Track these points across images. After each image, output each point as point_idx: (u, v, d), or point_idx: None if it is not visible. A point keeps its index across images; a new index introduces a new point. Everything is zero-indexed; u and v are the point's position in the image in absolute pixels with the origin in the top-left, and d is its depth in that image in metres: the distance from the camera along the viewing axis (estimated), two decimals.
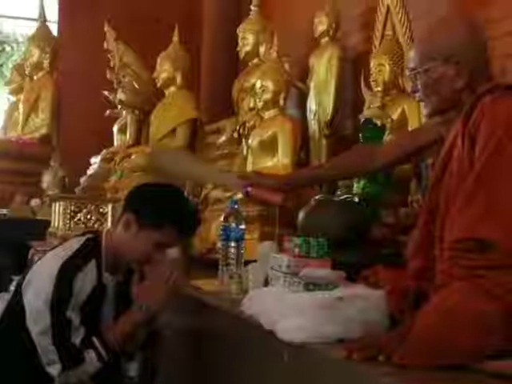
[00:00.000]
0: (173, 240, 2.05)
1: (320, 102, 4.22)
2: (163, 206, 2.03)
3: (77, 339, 1.90)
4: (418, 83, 1.68)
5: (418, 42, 1.77)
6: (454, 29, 1.67)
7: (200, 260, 3.10)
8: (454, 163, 1.56)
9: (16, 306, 1.96)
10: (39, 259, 2.11)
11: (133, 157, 4.87)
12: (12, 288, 3.75)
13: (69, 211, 3.80)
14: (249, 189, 2.08)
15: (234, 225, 2.24)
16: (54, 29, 6.71)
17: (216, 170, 2.28)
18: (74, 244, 2.03)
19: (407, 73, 1.78)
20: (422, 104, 1.75)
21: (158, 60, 5.09)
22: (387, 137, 3.12)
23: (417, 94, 1.72)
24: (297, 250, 1.82)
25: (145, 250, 2.02)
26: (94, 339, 1.93)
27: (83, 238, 2.06)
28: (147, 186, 2.21)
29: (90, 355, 1.91)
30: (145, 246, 2.01)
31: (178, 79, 5.02)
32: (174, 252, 2.15)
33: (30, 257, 4.25)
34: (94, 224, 3.82)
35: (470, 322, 1.28)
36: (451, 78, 1.63)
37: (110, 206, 3.89)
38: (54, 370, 1.89)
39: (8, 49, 11.56)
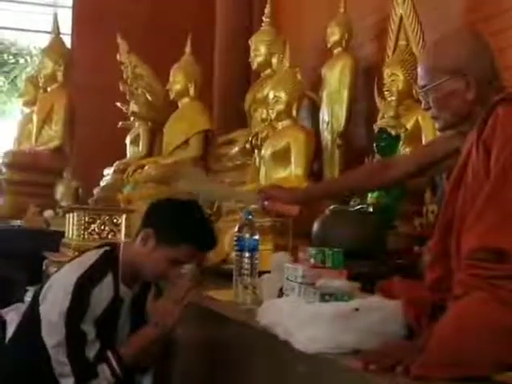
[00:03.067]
0: (189, 258, 2.04)
1: (333, 113, 4.21)
2: (182, 225, 2.02)
3: (91, 353, 1.90)
4: (430, 100, 1.68)
5: (424, 59, 1.77)
6: (459, 42, 1.67)
7: (214, 271, 3.09)
8: (469, 174, 1.55)
9: (32, 316, 1.96)
10: (57, 271, 2.11)
11: (145, 168, 4.89)
12: (27, 299, 3.77)
13: (83, 222, 3.80)
14: (265, 203, 2.09)
15: (247, 235, 2.23)
16: (67, 41, 6.75)
17: (234, 189, 2.30)
18: (92, 256, 2.02)
19: (418, 90, 1.78)
20: (435, 120, 1.74)
21: (171, 72, 5.11)
22: (402, 146, 3.11)
23: (430, 111, 1.72)
24: (312, 260, 1.82)
25: (161, 266, 2.01)
26: (109, 354, 1.93)
27: (101, 251, 2.06)
28: (167, 201, 2.20)
29: (104, 370, 1.91)
30: (161, 262, 2.00)
31: (191, 90, 5.04)
32: (189, 267, 2.14)
33: (44, 268, 4.27)
34: (107, 234, 3.83)
35: (488, 333, 1.26)
36: (461, 91, 1.63)
37: (123, 217, 3.89)
38: (66, 383, 1.88)
39: (22, 61, 11.65)
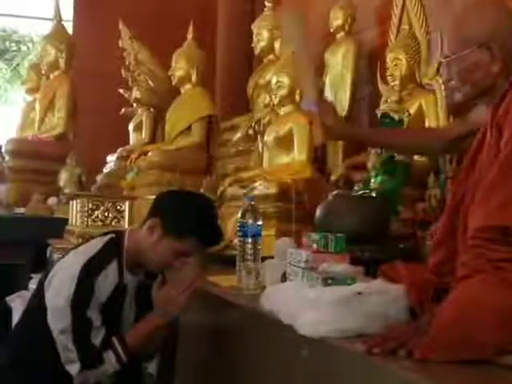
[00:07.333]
0: (194, 250, 2.05)
1: (336, 97, 4.21)
2: (189, 219, 2.02)
3: (96, 340, 1.90)
4: (452, 71, 1.67)
5: (450, 29, 1.75)
6: (486, 13, 1.65)
7: (217, 256, 3.09)
8: (483, 154, 1.55)
9: (37, 303, 1.97)
10: (61, 257, 2.11)
11: (149, 154, 4.89)
12: (31, 286, 3.79)
13: (86, 209, 3.81)
14: (312, 107, 2.03)
15: (251, 221, 2.23)
16: (69, 28, 6.74)
17: (311, 75, 2.21)
18: (97, 244, 2.03)
19: (441, 60, 1.76)
20: (455, 92, 1.72)
21: (173, 57, 5.10)
22: None
23: (452, 82, 1.70)
24: (315, 245, 1.82)
25: (165, 256, 2.02)
26: (114, 340, 1.93)
27: (105, 238, 2.06)
28: (176, 193, 2.21)
29: (109, 357, 1.91)
30: (166, 252, 2.01)
31: (193, 76, 5.02)
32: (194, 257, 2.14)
33: (48, 255, 4.28)
34: (111, 221, 3.83)
35: (492, 316, 1.26)
36: (485, 63, 1.62)
37: (127, 204, 3.90)
38: (72, 368, 1.89)
39: (24, 48, 11.63)
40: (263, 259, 2.24)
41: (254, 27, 4.79)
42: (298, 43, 2.10)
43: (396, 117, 3.14)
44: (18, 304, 3.43)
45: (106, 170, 5.51)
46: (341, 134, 2.12)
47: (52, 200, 5.60)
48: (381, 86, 3.74)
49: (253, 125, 4.31)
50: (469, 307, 1.28)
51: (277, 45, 4.67)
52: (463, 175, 1.63)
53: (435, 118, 3.27)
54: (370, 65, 4.24)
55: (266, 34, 4.72)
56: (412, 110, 3.31)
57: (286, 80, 3.82)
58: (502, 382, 1.20)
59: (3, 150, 6.14)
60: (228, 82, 5.94)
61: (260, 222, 2.24)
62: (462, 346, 1.24)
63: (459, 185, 1.64)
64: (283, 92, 3.82)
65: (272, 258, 2.29)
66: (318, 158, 3.91)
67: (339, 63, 4.22)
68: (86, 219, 3.82)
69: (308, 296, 1.53)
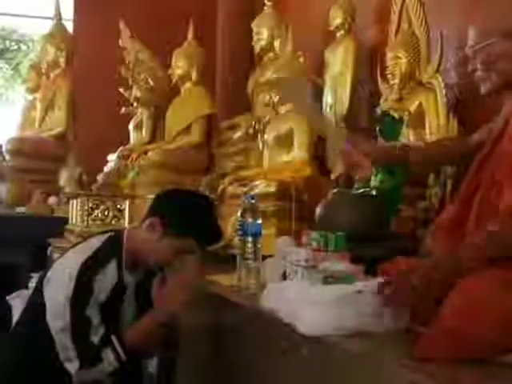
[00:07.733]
0: (193, 249, 2.05)
1: (336, 96, 4.20)
2: (188, 218, 2.02)
3: (96, 338, 1.90)
4: (477, 61, 1.67)
5: (476, 19, 1.74)
6: None
7: (217, 255, 3.09)
8: (503, 144, 1.56)
9: (37, 302, 1.97)
10: (60, 256, 2.12)
11: (149, 153, 4.88)
12: (31, 285, 3.79)
13: (86, 208, 3.82)
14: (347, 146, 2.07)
15: (250, 220, 2.23)
16: (69, 27, 6.73)
17: (328, 120, 2.22)
18: (96, 242, 2.03)
19: (466, 50, 1.76)
20: (481, 83, 1.72)
21: (173, 56, 5.10)
22: (405, 129, 3.10)
23: (476, 74, 1.70)
24: (315, 243, 1.82)
25: (165, 254, 2.02)
26: (113, 339, 1.93)
27: (105, 237, 2.06)
28: (176, 192, 2.21)
29: (108, 355, 1.91)
30: (165, 251, 2.02)
31: (194, 75, 5.02)
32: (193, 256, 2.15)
33: (48, 254, 4.28)
34: (111, 220, 3.84)
35: (497, 318, 1.25)
36: (511, 53, 1.62)
37: (127, 203, 3.90)
38: (71, 366, 1.89)
39: (24, 47, 11.63)
40: (263, 258, 2.24)
41: (254, 26, 4.78)
42: (301, 106, 2.12)
43: (396, 115, 3.13)
44: (17, 303, 3.43)
45: (106, 169, 5.51)
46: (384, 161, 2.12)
47: (52, 199, 5.60)
48: (381, 85, 3.73)
49: (253, 124, 4.31)
50: (474, 307, 1.28)
51: (276, 43, 4.66)
52: (478, 166, 1.63)
53: (435, 116, 3.26)
54: (369, 63, 4.23)
55: (265, 33, 4.71)
56: (412, 109, 3.30)
57: None
58: (503, 381, 1.19)
59: (3, 149, 6.14)
60: (228, 81, 5.92)
61: (260, 221, 2.24)
62: (463, 345, 1.24)
63: (474, 176, 1.63)
64: None
65: (272, 256, 2.29)
66: (319, 156, 3.91)
67: (339, 62, 4.21)
68: (85, 218, 3.82)
69: (308, 295, 1.53)
